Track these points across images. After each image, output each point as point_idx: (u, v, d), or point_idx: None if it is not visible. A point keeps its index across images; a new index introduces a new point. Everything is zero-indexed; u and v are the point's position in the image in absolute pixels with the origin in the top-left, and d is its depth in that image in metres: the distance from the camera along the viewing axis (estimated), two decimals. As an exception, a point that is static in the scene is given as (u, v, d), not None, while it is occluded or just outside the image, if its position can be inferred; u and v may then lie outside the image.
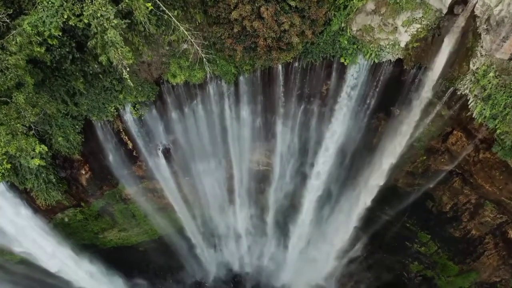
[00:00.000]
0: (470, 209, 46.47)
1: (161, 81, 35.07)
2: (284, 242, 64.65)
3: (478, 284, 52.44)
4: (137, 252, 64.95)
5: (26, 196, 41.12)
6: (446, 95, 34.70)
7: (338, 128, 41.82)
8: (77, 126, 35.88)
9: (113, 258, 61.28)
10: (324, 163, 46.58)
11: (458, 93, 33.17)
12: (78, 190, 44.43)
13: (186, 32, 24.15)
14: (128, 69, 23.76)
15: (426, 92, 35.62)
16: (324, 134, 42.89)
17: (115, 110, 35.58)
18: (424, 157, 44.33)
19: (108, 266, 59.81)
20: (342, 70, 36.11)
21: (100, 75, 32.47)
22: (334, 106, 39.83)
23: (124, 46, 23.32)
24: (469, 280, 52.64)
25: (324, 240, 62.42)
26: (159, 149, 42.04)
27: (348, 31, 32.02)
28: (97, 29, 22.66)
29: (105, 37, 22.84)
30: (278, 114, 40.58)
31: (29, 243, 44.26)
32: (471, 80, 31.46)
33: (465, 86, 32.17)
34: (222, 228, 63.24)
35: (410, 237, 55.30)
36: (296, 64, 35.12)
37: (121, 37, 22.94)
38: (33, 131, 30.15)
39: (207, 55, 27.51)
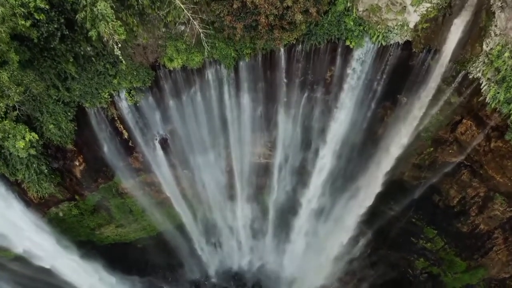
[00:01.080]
0: (478, 203, 44.70)
1: (158, 65, 33.30)
2: (286, 239, 62.55)
3: (486, 281, 50.68)
4: (135, 249, 63.35)
5: (17, 188, 39.34)
6: (457, 80, 33.11)
7: (343, 118, 39.90)
8: (69, 113, 34.20)
9: (111, 255, 59.12)
10: (327, 155, 44.66)
11: (470, 76, 31.60)
12: (72, 183, 42.70)
13: (182, 6, 22.30)
14: (119, 45, 21.98)
15: (435, 78, 33.93)
16: (328, 124, 41.18)
17: (109, 96, 33.97)
18: (431, 149, 42.76)
19: (105, 264, 56.90)
20: (347, 54, 34.47)
21: (93, 58, 30.88)
22: (338, 94, 38.22)
23: (115, 20, 21.61)
24: (477, 276, 50.87)
25: (326, 237, 60.20)
26: (156, 139, 40.35)
27: (354, 11, 30.41)
28: (86, 1, 20.85)
29: (95, 9, 21.17)
30: (280, 102, 38.98)
31: (22, 239, 42.23)
32: (484, 62, 29.82)
33: (478, 69, 30.55)
34: (222, 224, 61.42)
35: (415, 232, 53.63)
36: (299, 47, 33.51)
37: (112, 10, 21.15)
38: (17, 112, 28.16)
39: (205, 31, 25.57)
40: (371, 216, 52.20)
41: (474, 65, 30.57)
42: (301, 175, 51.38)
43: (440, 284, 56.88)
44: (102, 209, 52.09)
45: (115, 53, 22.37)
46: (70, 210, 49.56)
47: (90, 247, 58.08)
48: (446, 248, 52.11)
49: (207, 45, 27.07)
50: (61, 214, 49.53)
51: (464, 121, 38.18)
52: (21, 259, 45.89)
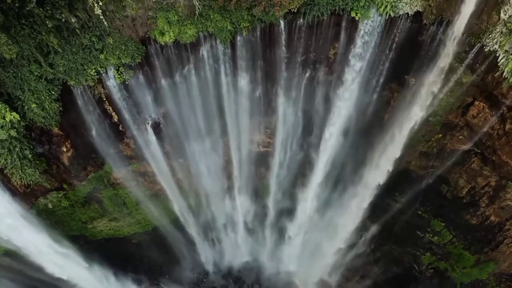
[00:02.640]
0: (489, 193, 42.60)
1: (148, 39, 30.77)
2: (286, 233, 60.19)
3: (496, 276, 48.70)
4: (130, 244, 61.12)
5: (0, 176, 36.67)
6: (470, 55, 30.86)
7: (347, 101, 37.50)
8: (53, 92, 31.76)
9: (105, 251, 56.88)
10: (330, 142, 42.18)
11: (486, 49, 29.25)
12: (59, 170, 40.25)
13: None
14: (100, 3, 19.33)
15: (446, 54, 31.52)
16: (331, 107, 38.75)
17: (95, 74, 31.54)
18: (440, 135, 40.66)
19: (99, 260, 54.47)
20: (352, 28, 32.06)
21: (78, 31, 28.55)
22: (342, 74, 35.99)
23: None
24: (486, 271, 48.72)
25: (328, 231, 57.76)
26: (148, 123, 37.88)
27: (360, -22, 27.78)
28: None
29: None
30: (280, 83, 36.57)
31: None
32: (501, 33, 27.52)
33: (494, 41, 28.23)
34: (220, 218, 59.17)
35: (422, 226, 51.37)
36: (301, 21, 31.02)
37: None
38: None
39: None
40: (375, 209, 50.11)
41: (490, 36, 28.29)
42: (302, 166, 48.80)
43: (447, 280, 54.51)
44: (93, 201, 49.78)
45: (96, 13, 19.70)
46: (60, 202, 47.13)
47: (83, 242, 55.16)
48: (454, 242, 49.97)
49: (201, 18, 24.18)
50: (50, 205, 47.09)
51: (476, 103, 35.98)
52: (12, 254, 43.45)
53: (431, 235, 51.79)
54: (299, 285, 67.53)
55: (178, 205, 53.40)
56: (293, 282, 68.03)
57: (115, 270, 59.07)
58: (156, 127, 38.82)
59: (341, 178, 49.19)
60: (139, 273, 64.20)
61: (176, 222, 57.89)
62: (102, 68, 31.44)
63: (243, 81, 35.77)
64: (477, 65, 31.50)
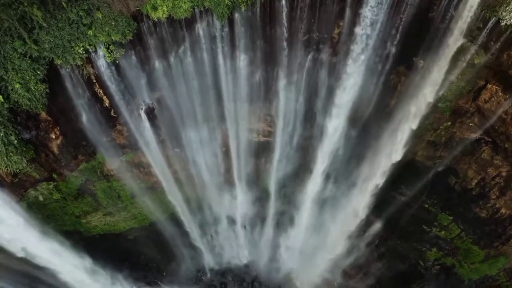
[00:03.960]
0: (500, 184, 40.99)
1: (140, 15, 28.67)
2: (287, 228, 58.04)
3: (507, 271, 47.17)
4: (127, 240, 59.52)
5: (-15, 164, 34.74)
6: (485, 32, 29.03)
7: (351, 85, 35.57)
8: (38, 72, 29.79)
9: (100, 247, 55.29)
10: (334, 131, 40.00)
11: (502, 24, 27.25)
12: (48, 159, 38.27)
13: None
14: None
15: (458, 32, 29.69)
16: (335, 93, 36.56)
17: (84, 52, 29.42)
18: (449, 123, 38.99)
19: (94, 257, 52.58)
20: (358, 4, 29.89)
21: (64, 4, 26.42)
22: (347, 55, 33.83)
23: None
24: (496, 266, 47.15)
25: (330, 227, 55.72)
26: (142, 108, 35.95)
27: None
28: None
29: None
30: (281, 65, 34.71)
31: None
32: (520, 4, 25.16)
33: (512, 14, 25.85)
34: (219, 212, 57.26)
35: (428, 220, 49.55)
36: (303, -5, 28.76)
37: None
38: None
39: None
40: (380, 202, 48.07)
41: (507, 8, 26.49)
42: (304, 157, 46.69)
43: (454, 276, 52.84)
44: (87, 193, 48.21)
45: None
46: (51, 194, 45.48)
47: (77, 238, 53.05)
48: (462, 236, 48.20)
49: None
50: (41, 198, 45.25)
51: (488, 86, 34.46)
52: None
53: (438, 230, 49.96)
54: (299, 283, 64.88)
55: (175, 199, 51.48)
56: (293, 280, 65.56)
57: (111, 267, 56.59)
58: (150, 113, 36.88)
59: (344, 169, 46.57)
60: (136, 270, 62.50)
61: (173, 217, 56.27)
62: (91, 46, 29.57)
63: (242, 62, 33.89)
64: (492, 42, 29.80)
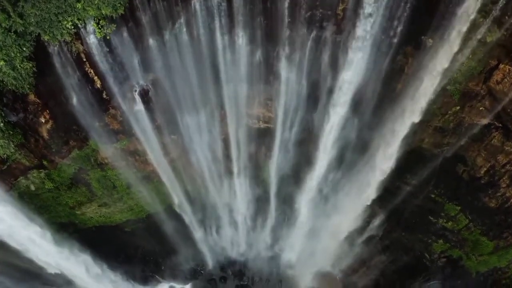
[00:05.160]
0: (510, 172, 40.10)
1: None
2: (288, 220, 57.06)
3: (517, 263, 44.73)
4: (123, 233, 58.52)
5: (-29, 149, 33.06)
6: (498, 5, 27.46)
7: (356, 67, 34.09)
8: (24, 48, 28.09)
9: (96, 240, 54.05)
10: (337, 116, 38.21)
11: (520, -6, 24.99)
12: (38, 144, 36.71)
13: None
14: None
15: (470, 6, 27.68)
16: (339, 74, 34.83)
17: (72, 27, 27.61)
18: (458, 107, 37.65)
19: (90, 250, 51.42)
20: (364, -22, 27.95)
21: (50, -27, 24.23)
22: (352, 34, 32.09)
23: None
24: (506, 258, 46.75)
25: (334, 218, 54.09)
26: (135, 90, 34.13)
27: None
28: None
29: None
30: (282, 44, 33.24)
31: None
32: (541, -29, 23.39)
33: (531, -17, 24.17)
34: (218, 204, 55.94)
35: (435, 210, 48.58)
36: (306, -35, 26.98)
37: None
38: None
39: None
40: (384, 193, 46.79)
41: (526, -23, 24.19)
42: (306, 144, 44.90)
43: (461, 269, 52.24)
44: (80, 183, 47.06)
45: None
46: (43, 183, 44.31)
47: (72, 230, 51.48)
48: (470, 227, 47.29)
49: None
50: (32, 187, 43.83)
51: (501, 66, 33.07)
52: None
53: (445, 221, 48.99)
54: (300, 277, 63.26)
55: (172, 189, 49.99)
56: (295, 274, 64.54)
57: (107, 260, 55.12)
58: (145, 96, 35.12)
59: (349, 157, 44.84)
60: (133, 264, 61.53)
61: (171, 209, 55.23)
62: (80, 21, 27.92)
63: (241, 40, 32.44)
64: (506, 17, 28.35)
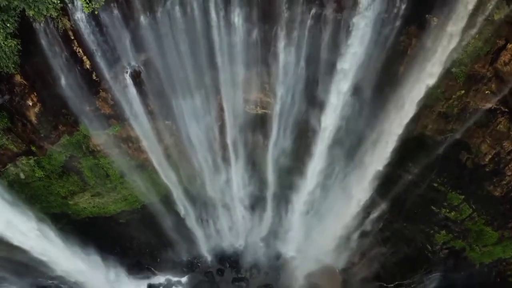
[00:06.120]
0: None
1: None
2: (286, 210, 56.23)
3: (523, 254, 43.71)
4: (118, 225, 57.38)
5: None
6: (509, -23, 25.13)
7: (358, 46, 32.73)
8: (8, 25, 26.64)
9: (90, 231, 53.10)
10: (337, 100, 36.86)
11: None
12: (26, 129, 35.28)
13: None
14: None
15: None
16: (340, 55, 33.72)
17: (59, 1, 25.78)
18: (463, 91, 36.34)
19: (84, 241, 50.52)
20: None
21: None
22: (353, 12, 30.75)
23: None
24: (511, 248, 45.64)
25: (331, 210, 53.65)
26: (127, 72, 32.58)
27: None
28: None
29: None
30: (280, 23, 31.77)
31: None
32: None
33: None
34: (215, 194, 54.66)
35: (437, 200, 47.33)
36: None
37: None
38: None
39: None
40: (385, 182, 45.98)
41: None
42: (305, 130, 43.37)
43: (464, 260, 51.25)
44: (72, 172, 45.85)
45: None
46: (33, 171, 43.00)
47: (65, 221, 50.19)
48: (474, 217, 46.06)
49: None
50: (22, 175, 42.48)
51: (509, 46, 31.64)
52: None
53: (448, 210, 47.72)
54: (299, 269, 62.12)
55: (167, 178, 48.61)
56: (293, 266, 63.79)
57: (102, 252, 54.25)
58: (137, 78, 33.56)
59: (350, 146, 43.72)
60: (128, 256, 60.48)
61: (167, 199, 54.18)
62: (67, -3, 25.90)
63: (237, 18, 31.02)
64: (516, -9, 26.24)
